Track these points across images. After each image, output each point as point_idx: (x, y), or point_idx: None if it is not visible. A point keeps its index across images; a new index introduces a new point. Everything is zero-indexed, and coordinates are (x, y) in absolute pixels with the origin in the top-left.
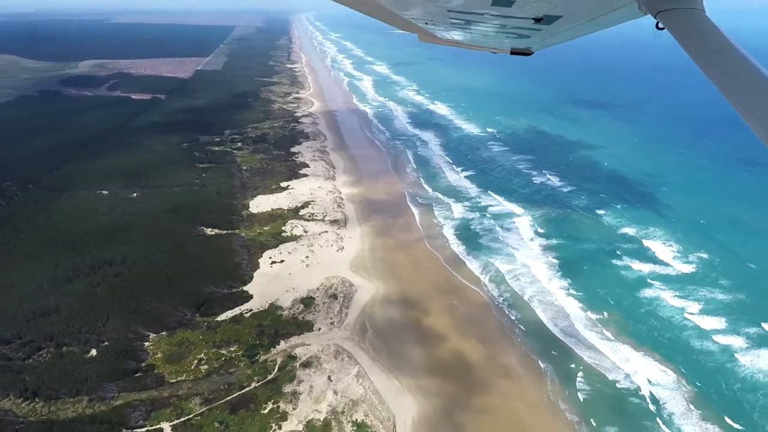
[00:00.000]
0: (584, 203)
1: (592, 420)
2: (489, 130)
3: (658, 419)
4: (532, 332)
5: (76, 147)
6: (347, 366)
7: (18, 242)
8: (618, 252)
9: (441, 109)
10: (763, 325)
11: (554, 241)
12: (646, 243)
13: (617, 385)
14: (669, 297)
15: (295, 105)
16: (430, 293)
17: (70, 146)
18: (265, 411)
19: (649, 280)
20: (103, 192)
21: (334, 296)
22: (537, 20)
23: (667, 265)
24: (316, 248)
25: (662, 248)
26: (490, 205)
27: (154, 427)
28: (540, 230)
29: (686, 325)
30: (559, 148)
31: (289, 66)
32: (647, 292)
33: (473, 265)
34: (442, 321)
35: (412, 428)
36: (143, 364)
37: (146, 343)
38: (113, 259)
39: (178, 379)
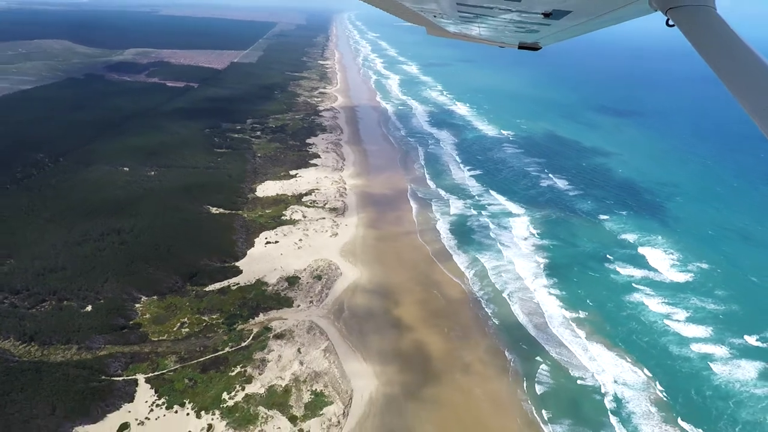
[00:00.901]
0: (588, 208)
1: (544, 411)
2: (505, 132)
3: (614, 417)
4: (504, 326)
5: (107, 126)
6: (317, 341)
7: (42, 207)
8: (611, 257)
9: (461, 109)
10: (748, 337)
11: (547, 242)
12: (643, 250)
13: (579, 381)
14: (655, 303)
15: (319, 99)
16: (412, 283)
17: (102, 125)
18: (233, 373)
19: (638, 286)
20: (124, 168)
21: (319, 277)
22: (546, 15)
23: (660, 272)
24: (311, 232)
25: (660, 256)
26: (491, 204)
27: (130, 378)
28: (535, 231)
29: (667, 331)
30: (574, 154)
31: (321, 62)
32: (633, 297)
33: (459, 259)
34: (418, 310)
35: (368, 403)
36: (131, 322)
37: (137, 305)
38: (122, 228)
39: (160, 338)
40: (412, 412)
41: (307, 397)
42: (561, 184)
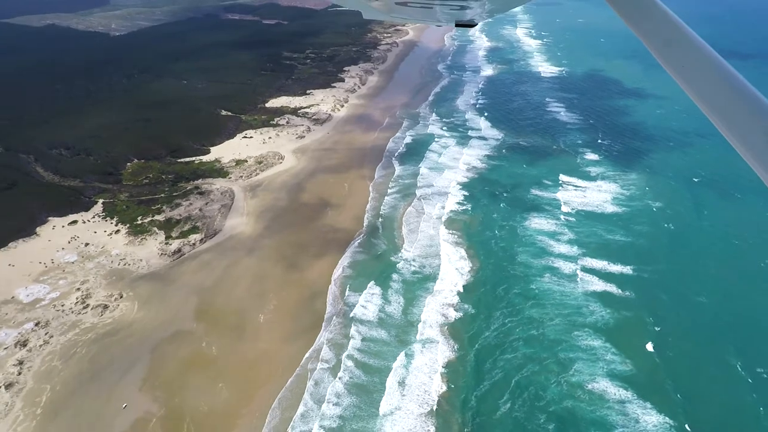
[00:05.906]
0: (574, 141)
1: (350, 271)
2: (554, 69)
3: (402, 284)
4: (384, 216)
5: (192, 51)
6: (223, 199)
7: (115, 101)
8: (549, 183)
9: (529, 46)
10: (620, 267)
11: (494, 163)
12: (592, 183)
13: (397, 261)
14: (550, 224)
15: (388, 35)
16: (333, 177)
17: (188, 51)
18: (154, 208)
19: (548, 208)
20: (183, 81)
21: (260, 162)
22: None
23: (590, 202)
24: (282, 134)
25: (609, 189)
26: (469, 129)
27: (94, 200)
28: (490, 153)
29: (534, 245)
30: (606, 94)
31: None
32: (530, 215)
33: (383, 164)
34: (321, 193)
35: (225, 240)
36: (116, 172)
37: (128, 163)
38: (150, 117)
39: (126, 183)
40: (251, 257)
41: (186, 227)
42: (566, 118)
